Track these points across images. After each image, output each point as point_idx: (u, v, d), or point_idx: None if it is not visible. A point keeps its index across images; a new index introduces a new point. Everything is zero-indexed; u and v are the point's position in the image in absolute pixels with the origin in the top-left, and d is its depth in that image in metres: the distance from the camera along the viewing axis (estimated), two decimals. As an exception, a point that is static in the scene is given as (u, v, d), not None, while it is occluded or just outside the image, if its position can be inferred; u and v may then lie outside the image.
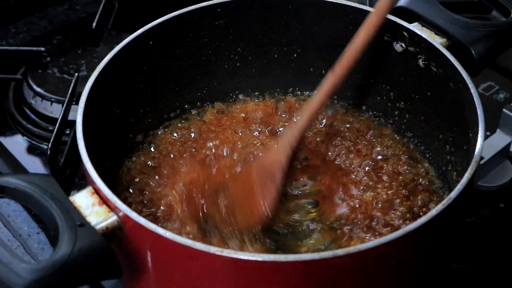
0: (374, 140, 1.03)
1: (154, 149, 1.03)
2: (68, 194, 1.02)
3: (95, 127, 0.92)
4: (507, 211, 1.06)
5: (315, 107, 0.95)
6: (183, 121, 1.07)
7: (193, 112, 1.08)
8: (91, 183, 0.83)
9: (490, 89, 1.21)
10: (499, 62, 1.24)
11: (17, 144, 1.16)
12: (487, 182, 1.06)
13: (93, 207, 0.81)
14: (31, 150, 1.15)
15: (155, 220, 0.93)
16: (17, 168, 1.12)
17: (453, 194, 0.80)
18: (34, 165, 1.13)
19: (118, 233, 0.81)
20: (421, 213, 0.94)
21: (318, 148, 1.03)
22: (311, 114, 0.95)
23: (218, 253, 0.76)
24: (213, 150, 1.03)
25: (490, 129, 1.10)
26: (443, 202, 0.80)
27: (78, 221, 0.78)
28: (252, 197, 0.93)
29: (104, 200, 0.81)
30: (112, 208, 0.81)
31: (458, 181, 0.82)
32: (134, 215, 0.79)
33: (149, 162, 1.01)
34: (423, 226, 0.78)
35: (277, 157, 0.94)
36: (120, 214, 0.80)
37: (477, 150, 0.84)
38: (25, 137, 1.17)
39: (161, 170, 1.00)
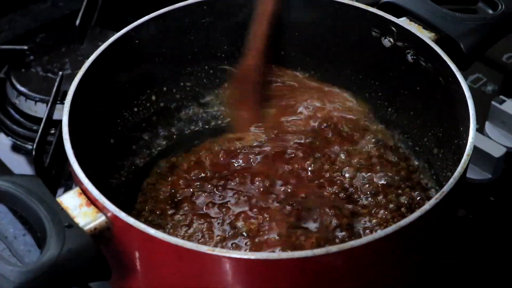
0: (362, 136, 1.02)
1: (142, 149, 1.02)
2: (54, 194, 1.02)
3: (81, 127, 0.90)
4: (497, 205, 1.06)
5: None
6: (170, 119, 1.05)
7: (181, 111, 1.06)
8: (79, 183, 0.82)
9: (478, 81, 1.21)
10: (487, 54, 1.22)
11: (1, 144, 1.15)
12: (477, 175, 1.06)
13: (81, 208, 0.80)
14: (16, 150, 1.14)
15: (144, 220, 0.92)
16: (1, 168, 1.11)
17: (446, 188, 0.80)
18: (19, 165, 1.12)
19: (107, 233, 0.80)
20: (413, 208, 0.93)
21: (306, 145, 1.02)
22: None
23: (209, 252, 0.75)
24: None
25: (478, 122, 1.08)
26: (436, 196, 0.79)
27: (66, 222, 0.77)
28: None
29: (92, 201, 0.80)
30: (100, 209, 0.80)
31: (449, 176, 0.82)
32: (122, 215, 0.78)
33: (137, 161, 1.00)
34: (416, 221, 0.77)
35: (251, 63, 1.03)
36: (109, 214, 0.79)
37: (469, 144, 0.84)
38: (9, 137, 1.15)
39: (150, 169, 0.99)
